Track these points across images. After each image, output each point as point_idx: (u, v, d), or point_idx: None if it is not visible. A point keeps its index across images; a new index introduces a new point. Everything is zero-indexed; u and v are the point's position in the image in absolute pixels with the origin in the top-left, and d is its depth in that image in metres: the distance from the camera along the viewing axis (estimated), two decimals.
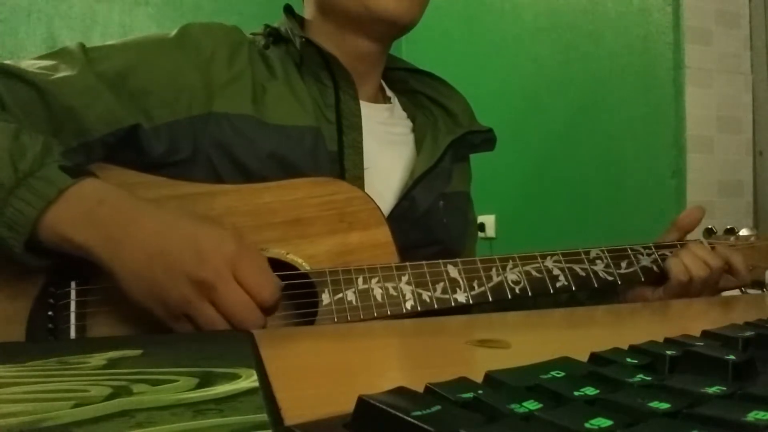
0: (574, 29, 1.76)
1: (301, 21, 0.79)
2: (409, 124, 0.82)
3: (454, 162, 0.82)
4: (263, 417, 0.22)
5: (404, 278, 0.61)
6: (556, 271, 0.66)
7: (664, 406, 0.18)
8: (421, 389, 0.21)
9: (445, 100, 0.83)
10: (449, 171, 0.80)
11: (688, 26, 1.46)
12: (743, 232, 0.76)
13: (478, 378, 0.22)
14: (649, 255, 0.71)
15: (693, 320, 0.54)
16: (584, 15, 1.72)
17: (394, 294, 0.60)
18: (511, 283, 0.64)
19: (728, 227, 0.77)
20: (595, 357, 0.26)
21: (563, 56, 1.79)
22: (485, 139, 0.84)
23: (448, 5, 2.21)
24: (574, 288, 0.66)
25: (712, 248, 0.72)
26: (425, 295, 0.61)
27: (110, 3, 2.15)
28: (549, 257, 0.67)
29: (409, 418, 0.17)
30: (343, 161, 0.69)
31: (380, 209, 0.66)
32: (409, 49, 2.16)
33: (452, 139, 0.78)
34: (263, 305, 0.50)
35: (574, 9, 1.76)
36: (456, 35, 2.25)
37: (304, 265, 0.60)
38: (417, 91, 0.85)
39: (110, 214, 0.50)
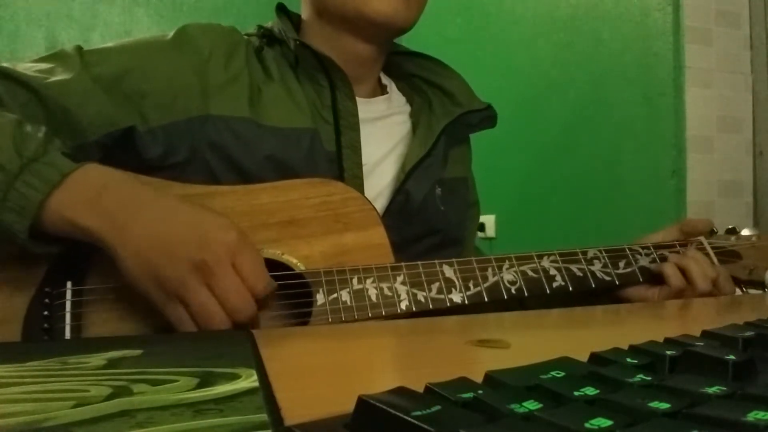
0: (574, 29, 1.76)
1: (297, 20, 0.78)
2: (407, 109, 0.81)
3: (451, 146, 0.81)
4: (263, 417, 0.22)
5: (399, 278, 0.61)
6: (552, 271, 0.66)
7: (664, 406, 0.18)
8: (421, 389, 0.21)
9: (440, 80, 0.82)
10: (444, 156, 0.79)
11: (688, 26, 1.46)
12: (744, 232, 0.76)
13: (478, 378, 0.22)
14: (647, 255, 0.71)
15: (693, 320, 0.54)
16: (584, 15, 1.72)
17: (389, 294, 0.59)
18: (507, 283, 0.64)
19: (729, 227, 0.77)
20: (595, 357, 0.26)
21: (563, 56, 1.79)
22: (485, 117, 0.82)
23: (448, 5, 2.21)
24: (571, 288, 0.65)
25: (708, 250, 0.72)
26: (420, 296, 0.60)
27: (110, 3, 2.15)
28: (546, 257, 0.67)
29: (409, 418, 0.17)
30: (341, 161, 0.69)
31: (376, 210, 0.65)
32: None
33: (445, 124, 0.77)
34: (257, 296, 0.50)
35: (574, 9, 1.76)
36: (456, 35, 2.25)
37: (299, 266, 0.60)
38: (412, 75, 0.84)
39: (115, 198, 0.51)
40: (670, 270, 0.68)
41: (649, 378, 0.22)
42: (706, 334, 0.31)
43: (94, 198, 0.50)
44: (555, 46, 1.82)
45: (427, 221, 0.74)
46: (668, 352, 0.25)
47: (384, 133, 0.76)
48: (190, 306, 0.49)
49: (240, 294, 0.49)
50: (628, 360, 0.25)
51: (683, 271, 0.68)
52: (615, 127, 1.62)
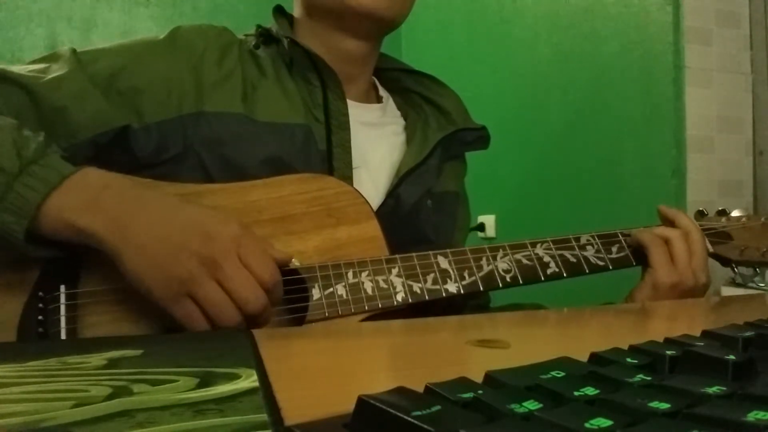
0: (574, 30, 1.76)
1: (291, 20, 0.79)
2: (401, 122, 0.82)
3: (445, 160, 0.81)
4: (263, 417, 0.22)
5: (394, 271, 0.61)
6: (546, 258, 0.66)
7: (664, 406, 0.18)
8: (421, 389, 0.21)
9: (437, 98, 0.83)
10: (438, 168, 0.79)
11: (688, 26, 1.46)
12: (735, 213, 0.75)
13: (478, 378, 0.22)
14: None
15: (693, 320, 0.54)
16: (584, 15, 1.72)
17: (385, 287, 0.59)
18: (501, 272, 0.64)
19: (720, 209, 0.76)
20: (595, 357, 0.26)
21: (563, 56, 1.79)
22: (478, 137, 0.83)
23: (448, 5, 2.21)
24: (565, 275, 0.66)
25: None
26: (416, 287, 0.60)
27: (110, 3, 2.15)
28: (539, 244, 0.67)
29: (409, 418, 0.17)
30: (332, 160, 0.69)
31: (369, 204, 0.66)
32: (408, 50, 2.16)
33: (442, 137, 0.77)
34: (265, 286, 0.50)
35: (574, 9, 1.76)
36: (456, 36, 2.25)
37: (294, 261, 0.60)
38: (410, 90, 0.85)
39: (115, 199, 0.51)
40: (647, 235, 0.67)
41: (649, 378, 0.22)
42: (706, 334, 0.31)
43: (94, 199, 0.50)
44: (555, 46, 1.82)
45: (416, 229, 0.74)
46: (668, 352, 0.25)
47: (377, 139, 0.77)
48: (200, 301, 0.49)
49: (249, 285, 0.50)
50: (628, 360, 0.25)
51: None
52: (615, 127, 1.62)
